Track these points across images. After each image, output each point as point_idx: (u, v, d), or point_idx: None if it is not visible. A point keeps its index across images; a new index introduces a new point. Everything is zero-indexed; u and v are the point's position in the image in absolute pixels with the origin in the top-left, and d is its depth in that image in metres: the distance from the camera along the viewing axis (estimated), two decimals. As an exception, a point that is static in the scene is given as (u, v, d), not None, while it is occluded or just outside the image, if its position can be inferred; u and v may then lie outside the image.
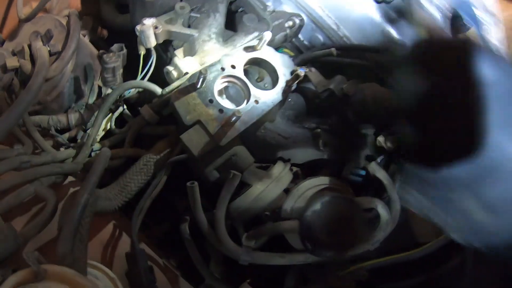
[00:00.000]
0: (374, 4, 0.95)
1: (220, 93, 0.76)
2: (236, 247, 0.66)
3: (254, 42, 0.82)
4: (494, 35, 0.99)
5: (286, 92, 0.78)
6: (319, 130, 0.79)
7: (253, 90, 0.75)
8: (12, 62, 0.78)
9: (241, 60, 0.78)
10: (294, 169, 0.75)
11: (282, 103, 0.79)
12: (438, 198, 0.67)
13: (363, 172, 0.77)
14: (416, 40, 0.85)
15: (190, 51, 0.85)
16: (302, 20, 0.98)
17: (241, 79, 0.76)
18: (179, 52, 0.85)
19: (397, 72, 0.69)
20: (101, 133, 0.86)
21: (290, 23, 0.97)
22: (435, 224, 0.70)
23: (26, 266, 0.47)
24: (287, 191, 0.71)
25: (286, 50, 1.04)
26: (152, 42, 0.80)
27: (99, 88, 0.92)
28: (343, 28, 0.96)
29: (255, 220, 0.72)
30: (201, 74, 0.68)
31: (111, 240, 0.76)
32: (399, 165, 0.76)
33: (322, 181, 0.71)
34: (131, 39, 0.85)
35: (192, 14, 0.85)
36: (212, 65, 0.76)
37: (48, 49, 0.79)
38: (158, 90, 0.84)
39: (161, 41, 0.82)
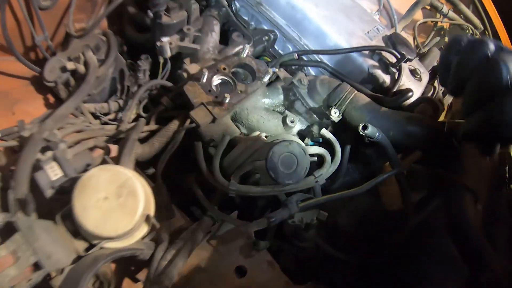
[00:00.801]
0: (323, 18, 1.26)
1: (216, 86, 1.10)
2: (225, 181, 0.91)
3: (240, 52, 1.16)
4: None
5: (262, 85, 1.12)
6: (286, 112, 1.14)
7: (238, 85, 1.09)
8: (70, 65, 1.06)
9: (231, 64, 1.12)
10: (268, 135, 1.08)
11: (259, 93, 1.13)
12: None
13: (320, 140, 1.12)
14: None
15: (195, 60, 1.18)
16: (275, 34, 1.32)
17: (230, 77, 1.10)
18: (187, 61, 1.18)
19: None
20: (132, 116, 1.16)
21: (267, 37, 1.31)
22: None
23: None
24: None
25: (265, 58, 1.39)
26: (168, 54, 1.11)
27: (127, 86, 1.25)
28: (304, 38, 1.28)
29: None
30: (203, 72, 1.03)
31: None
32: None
33: (286, 137, 1.03)
34: (145, 52, 1.14)
35: (196, 34, 1.17)
36: (210, 67, 1.10)
37: (96, 57, 1.13)
38: (172, 86, 1.17)
39: (174, 53, 1.14)
